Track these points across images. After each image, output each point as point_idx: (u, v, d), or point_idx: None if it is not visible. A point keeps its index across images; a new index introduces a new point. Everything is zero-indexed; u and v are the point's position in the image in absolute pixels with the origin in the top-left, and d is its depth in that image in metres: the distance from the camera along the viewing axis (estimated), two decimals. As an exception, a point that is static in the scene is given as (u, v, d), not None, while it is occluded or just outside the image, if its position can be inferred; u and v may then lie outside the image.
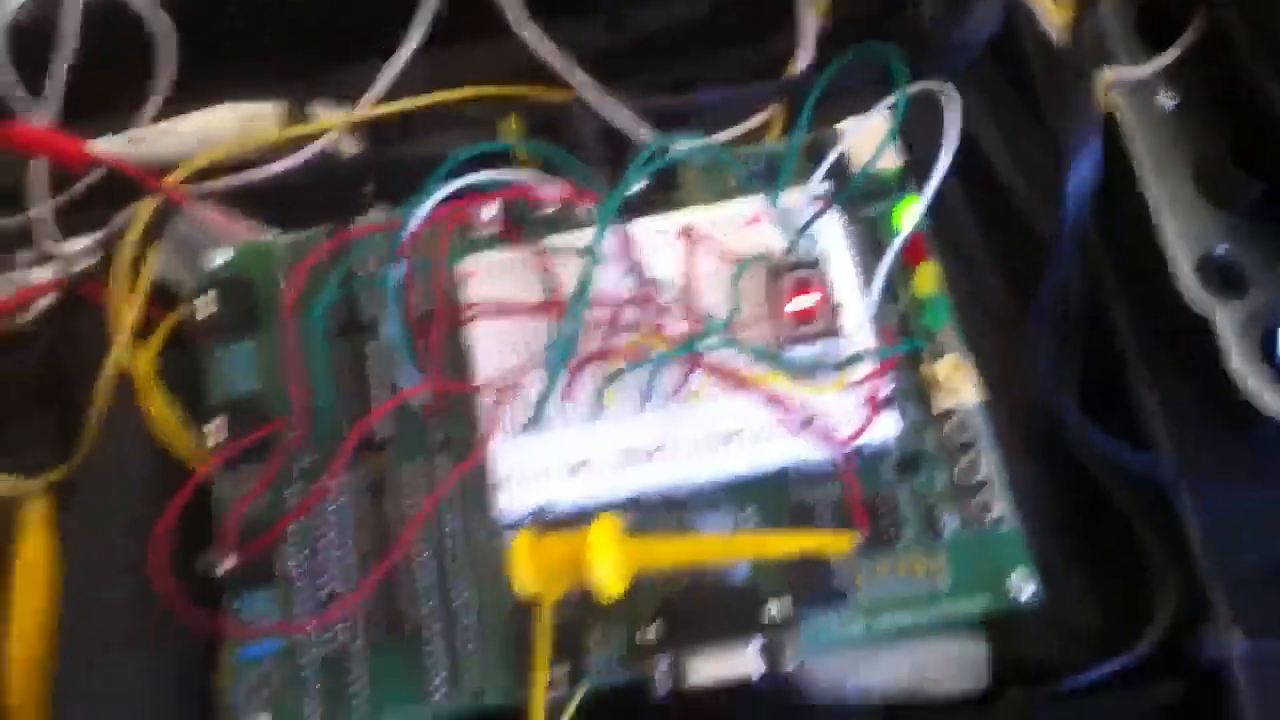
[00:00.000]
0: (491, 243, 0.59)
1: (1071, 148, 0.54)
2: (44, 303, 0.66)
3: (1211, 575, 0.54)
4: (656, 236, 0.58)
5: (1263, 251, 0.57)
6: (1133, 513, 0.57)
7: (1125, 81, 0.60)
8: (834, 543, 0.50)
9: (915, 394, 0.57)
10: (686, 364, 0.55)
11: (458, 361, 0.57)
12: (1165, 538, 0.55)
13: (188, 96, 0.69)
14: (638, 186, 0.59)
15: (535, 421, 0.55)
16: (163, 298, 0.63)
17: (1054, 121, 0.61)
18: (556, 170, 0.59)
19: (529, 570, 0.50)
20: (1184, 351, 0.57)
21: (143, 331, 0.62)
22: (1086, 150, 0.54)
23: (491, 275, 0.58)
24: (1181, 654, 0.53)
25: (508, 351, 0.56)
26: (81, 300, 0.66)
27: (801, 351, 0.55)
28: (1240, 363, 0.55)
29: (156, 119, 0.70)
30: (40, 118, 0.70)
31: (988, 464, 0.55)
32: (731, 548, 0.53)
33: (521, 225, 0.59)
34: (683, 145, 0.61)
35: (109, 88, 0.70)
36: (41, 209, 0.68)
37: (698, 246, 0.57)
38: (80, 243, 0.68)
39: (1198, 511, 0.54)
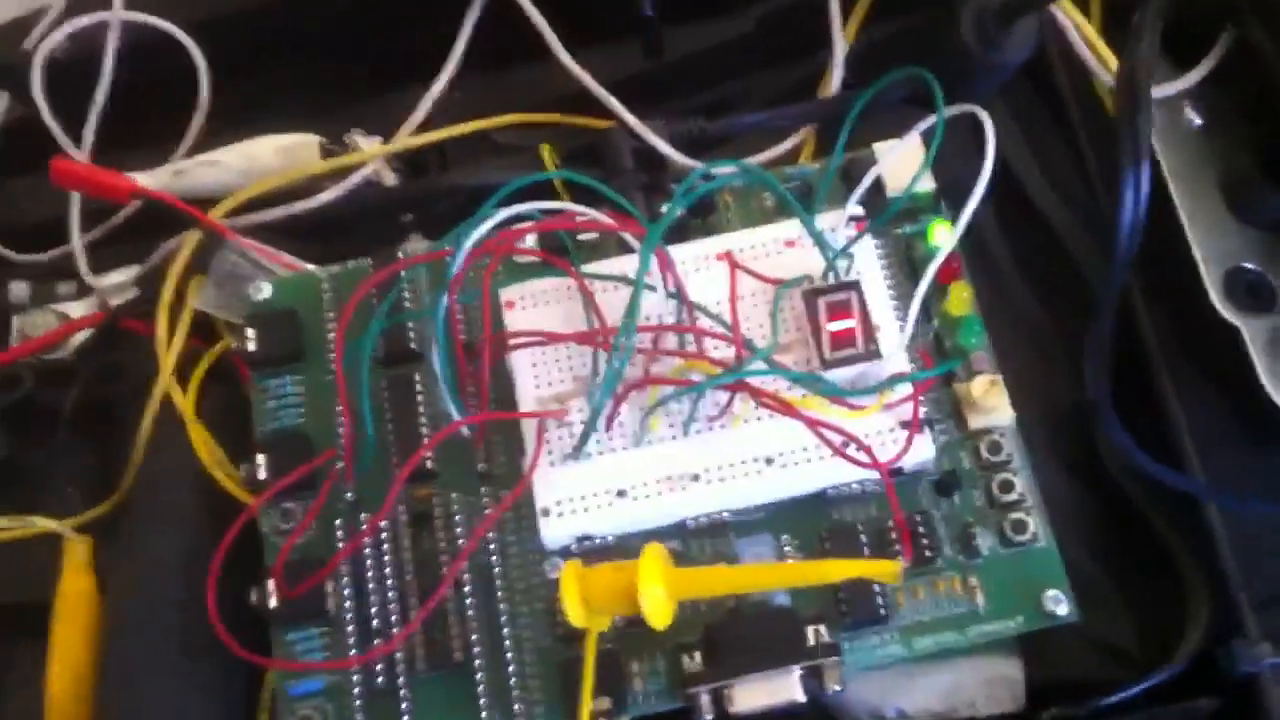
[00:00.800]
0: (534, 271, 0.60)
1: (1121, 182, 0.54)
2: (83, 336, 0.67)
3: (1241, 590, 0.54)
4: (696, 262, 0.59)
5: (1290, 266, 0.58)
6: (1164, 529, 0.57)
7: (1154, 99, 0.60)
8: (882, 570, 0.50)
9: (950, 413, 0.57)
10: (728, 389, 0.55)
11: (504, 390, 0.57)
12: (1196, 553, 0.56)
13: (225, 128, 0.70)
14: (677, 213, 0.59)
15: (579, 449, 0.55)
16: (204, 330, 0.64)
17: (1086, 143, 0.62)
18: (597, 198, 0.59)
19: (577, 601, 0.50)
20: (1212, 366, 0.58)
21: (186, 364, 0.63)
22: (1136, 186, 0.54)
23: (534, 304, 0.59)
24: (1215, 669, 0.54)
25: (551, 379, 0.57)
26: (121, 334, 0.66)
27: (840, 374, 0.56)
28: (1268, 375, 0.56)
29: (194, 151, 0.70)
30: (78, 150, 0.70)
31: (1022, 482, 0.56)
32: (779, 576, 0.54)
33: (563, 253, 0.59)
34: (724, 170, 0.61)
35: (146, 120, 0.70)
36: (79, 242, 0.68)
37: (736, 271, 0.58)
38: (119, 275, 0.68)
39: (1226, 527, 0.55)
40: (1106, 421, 0.55)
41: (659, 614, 0.49)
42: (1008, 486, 0.56)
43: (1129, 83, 0.54)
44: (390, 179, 0.68)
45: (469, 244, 0.55)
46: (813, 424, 0.54)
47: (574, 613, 0.50)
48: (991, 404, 0.56)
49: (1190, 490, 0.56)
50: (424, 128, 0.68)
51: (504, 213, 0.56)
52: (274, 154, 0.67)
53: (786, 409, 0.54)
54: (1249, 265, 0.57)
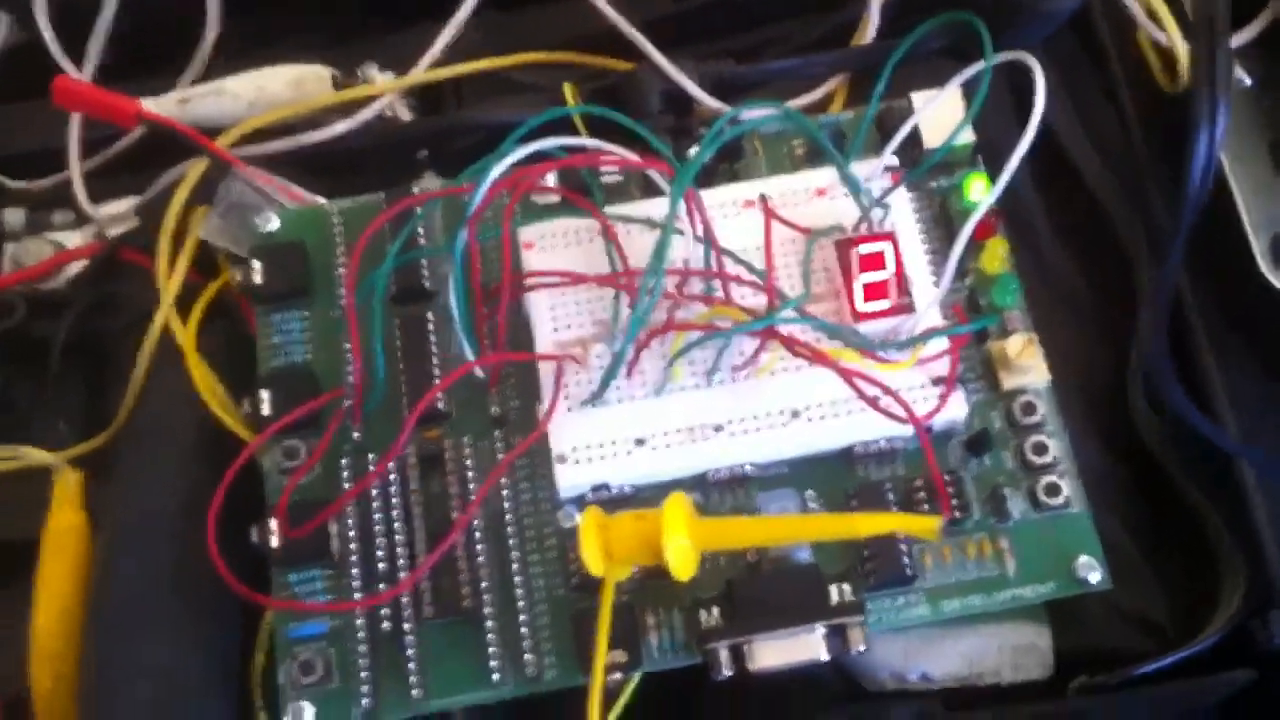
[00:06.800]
0: (555, 211, 0.57)
1: (1196, 124, 0.51)
2: (78, 267, 0.64)
3: (1278, 561, 0.53)
4: (723, 207, 0.57)
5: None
6: (1199, 500, 0.55)
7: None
8: (923, 525, 0.48)
9: (982, 372, 0.55)
10: (756, 339, 0.53)
11: (520, 333, 0.55)
12: (1232, 525, 0.54)
13: (233, 58, 0.67)
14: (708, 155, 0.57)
15: (598, 395, 0.53)
16: (203, 265, 0.61)
17: (1128, 101, 0.60)
18: (618, 139, 0.56)
19: (597, 549, 0.48)
20: (1255, 332, 0.56)
21: (184, 298, 0.60)
22: (1210, 134, 0.52)
23: (554, 245, 0.57)
24: (1251, 641, 0.53)
25: (570, 323, 0.55)
26: (119, 265, 0.64)
27: (871, 327, 0.54)
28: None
29: (200, 81, 0.67)
30: (80, 76, 0.67)
31: (1056, 445, 0.54)
32: (813, 527, 0.52)
33: (585, 193, 0.57)
34: (758, 113, 0.59)
35: (152, 47, 0.68)
36: (77, 169, 0.66)
37: (767, 218, 0.56)
38: (118, 205, 0.65)
39: (1264, 497, 0.54)
40: (1164, 379, 0.52)
41: (684, 565, 0.48)
42: (1041, 449, 0.54)
43: (1207, 26, 0.51)
44: (405, 115, 0.66)
45: (491, 178, 0.52)
46: (848, 375, 0.51)
47: (594, 561, 0.48)
48: (1026, 363, 0.54)
49: (1235, 452, 0.54)
50: (444, 63, 0.66)
51: (526, 149, 0.53)
52: (284, 85, 0.65)
53: (821, 358, 0.52)
54: (1297, 228, 0.56)
